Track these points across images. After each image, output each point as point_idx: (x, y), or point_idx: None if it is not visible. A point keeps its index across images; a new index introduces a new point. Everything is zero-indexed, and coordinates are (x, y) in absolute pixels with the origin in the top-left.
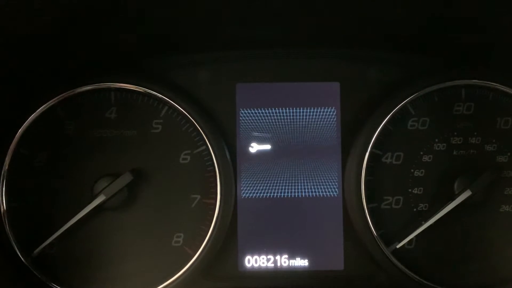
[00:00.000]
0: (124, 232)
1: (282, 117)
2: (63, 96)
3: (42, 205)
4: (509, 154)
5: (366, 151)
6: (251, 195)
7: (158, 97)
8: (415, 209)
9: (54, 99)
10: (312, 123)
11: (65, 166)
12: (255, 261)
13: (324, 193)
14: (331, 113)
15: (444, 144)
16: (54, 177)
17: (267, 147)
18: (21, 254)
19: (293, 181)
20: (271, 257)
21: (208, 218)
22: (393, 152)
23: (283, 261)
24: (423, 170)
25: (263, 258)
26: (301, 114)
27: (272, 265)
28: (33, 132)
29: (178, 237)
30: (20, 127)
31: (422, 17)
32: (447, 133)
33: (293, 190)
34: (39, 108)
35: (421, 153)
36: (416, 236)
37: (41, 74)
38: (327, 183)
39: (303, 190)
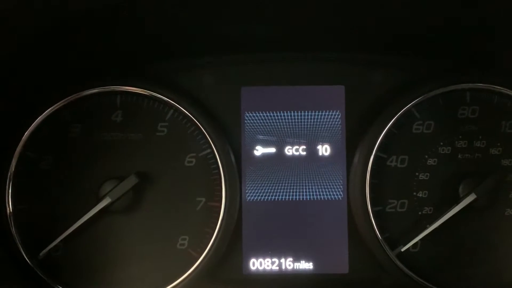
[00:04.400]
0: (129, 235)
1: (287, 121)
2: (69, 99)
3: (48, 208)
4: None
5: (371, 155)
6: (256, 198)
7: (163, 100)
8: (420, 213)
9: (60, 102)
10: (317, 126)
11: (71, 169)
12: (259, 264)
13: (329, 196)
14: (335, 117)
15: (449, 148)
16: (60, 179)
17: (272, 150)
18: (26, 256)
19: (298, 184)
20: (275, 260)
21: (213, 221)
22: (398, 155)
23: (288, 264)
24: (428, 174)
25: (267, 261)
26: (306, 117)
27: (277, 268)
28: (39, 135)
29: (183, 240)
30: (27, 130)
31: (432, 20)
32: (452, 137)
33: (297, 193)
34: (45, 111)
35: (426, 156)
36: (421, 239)
37: (48, 77)
38: (331, 186)
39: (307, 193)
